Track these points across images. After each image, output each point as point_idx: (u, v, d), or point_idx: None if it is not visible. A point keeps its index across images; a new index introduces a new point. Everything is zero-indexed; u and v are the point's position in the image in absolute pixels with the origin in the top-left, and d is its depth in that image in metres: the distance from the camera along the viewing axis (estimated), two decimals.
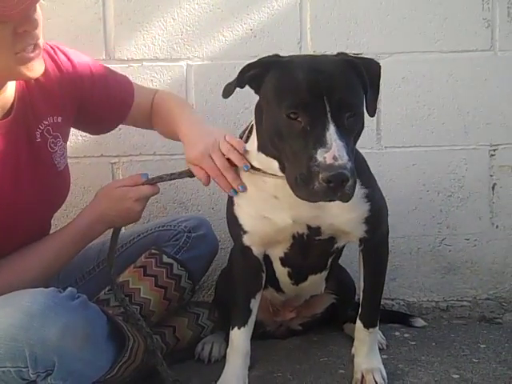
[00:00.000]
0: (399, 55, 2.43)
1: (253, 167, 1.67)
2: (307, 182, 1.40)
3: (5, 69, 1.55)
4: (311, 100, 1.43)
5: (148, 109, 2.00)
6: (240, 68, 1.59)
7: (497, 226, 2.49)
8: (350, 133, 1.46)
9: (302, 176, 1.41)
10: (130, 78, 2.34)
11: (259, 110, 1.60)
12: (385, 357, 2.01)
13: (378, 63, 1.64)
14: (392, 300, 2.50)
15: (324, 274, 1.95)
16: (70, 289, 1.54)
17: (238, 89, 2.36)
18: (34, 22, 1.53)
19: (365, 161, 1.76)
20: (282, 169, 1.55)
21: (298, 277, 1.91)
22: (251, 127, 1.70)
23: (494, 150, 2.47)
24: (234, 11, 2.38)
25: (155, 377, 1.80)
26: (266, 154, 1.60)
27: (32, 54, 1.56)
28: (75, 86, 1.82)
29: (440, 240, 2.50)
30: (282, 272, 1.89)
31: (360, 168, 1.65)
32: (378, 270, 1.85)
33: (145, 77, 2.38)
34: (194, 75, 2.39)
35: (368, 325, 1.84)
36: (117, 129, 2.08)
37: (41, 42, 1.59)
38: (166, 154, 2.40)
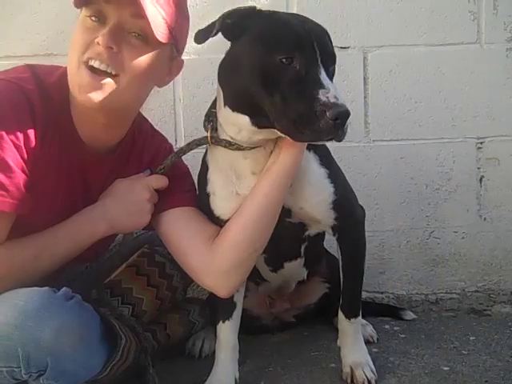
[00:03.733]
0: (386, 48, 2.43)
1: (217, 140, 1.66)
2: (311, 122, 1.41)
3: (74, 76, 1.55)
4: (306, 46, 1.47)
5: None
6: None
7: (484, 219, 2.50)
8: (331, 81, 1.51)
9: (303, 118, 1.42)
10: None
11: (231, 63, 1.59)
12: (375, 350, 2.02)
13: None
14: (381, 293, 2.52)
15: (300, 261, 1.95)
16: (64, 288, 1.51)
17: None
18: (108, 37, 1.49)
19: (328, 149, 1.79)
20: (256, 122, 1.54)
21: (274, 263, 1.93)
22: (214, 101, 1.69)
23: (481, 143, 2.48)
24: (220, 5, 2.31)
25: (144, 375, 1.78)
26: (235, 110, 1.57)
27: (88, 76, 1.51)
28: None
29: (428, 233, 2.51)
30: (259, 260, 1.87)
31: (322, 150, 1.72)
32: (355, 259, 1.84)
33: None
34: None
35: (349, 315, 1.84)
36: None
37: (109, 70, 1.52)
38: None
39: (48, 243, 1.60)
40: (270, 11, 1.62)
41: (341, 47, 2.41)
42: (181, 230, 1.72)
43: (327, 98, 1.40)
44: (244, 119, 1.55)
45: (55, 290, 1.50)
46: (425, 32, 2.44)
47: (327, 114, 1.39)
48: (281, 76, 1.46)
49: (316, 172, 1.71)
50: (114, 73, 1.52)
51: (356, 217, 1.83)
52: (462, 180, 2.49)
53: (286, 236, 1.79)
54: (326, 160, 1.74)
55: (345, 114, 1.40)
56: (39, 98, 1.56)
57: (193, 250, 1.70)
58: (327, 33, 1.58)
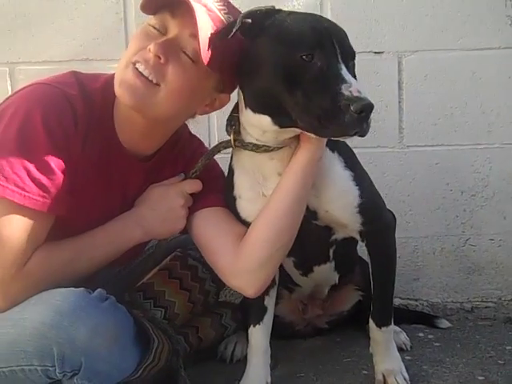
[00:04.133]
0: (421, 53, 2.41)
1: (243, 144, 1.66)
2: (335, 117, 1.42)
3: (119, 72, 1.58)
4: (325, 42, 1.48)
5: None
6: None
7: None
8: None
9: (327, 113, 1.43)
10: None
11: (250, 63, 1.57)
12: (409, 358, 2.00)
13: None
14: (415, 300, 2.49)
15: (329, 265, 1.92)
16: (99, 290, 1.53)
17: None
18: (159, 46, 1.52)
19: (353, 152, 1.78)
20: (278, 122, 1.54)
21: (303, 267, 1.91)
22: (236, 105, 1.70)
23: None
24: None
25: (176, 378, 1.79)
26: (256, 111, 1.57)
27: (132, 74, 1.54)
28: None
29: (464, 240, 2.48)
30: (287, 263, 1.88)
31: (346, 153, 1.72)
32: (385, 266, 1.81)
33: None
34: None
35: (380, 324, 1.80)
36: None
37: (151, 77, 1.54)
38: None
39: (86, 247, 1.63)
40: (288, 11, 1.62)
41: (375, 52, 2.41)
42: (210, 230, 1.74)
43: (350, 92, 1.41)
44: (265, 120, 1.55)
45: (90, 291, 1.52)
46: (461, 37, 2.41)
47: (352, 107, 1.39)
48: (302, 73, 1.47)
49: (340, 174, 1.69)
50: (154, 81, 1.54)
51: (384, 221, 1.79)
52: (499, 187, 2.45)
53: (313, 239, 1.78)
54: (351, 162, 1.72)
55: (369, 107, 1.41)
56: (82, 102, 1.59)
57: (221, 249, 1.71)
58: (345, 32, 1.59)
